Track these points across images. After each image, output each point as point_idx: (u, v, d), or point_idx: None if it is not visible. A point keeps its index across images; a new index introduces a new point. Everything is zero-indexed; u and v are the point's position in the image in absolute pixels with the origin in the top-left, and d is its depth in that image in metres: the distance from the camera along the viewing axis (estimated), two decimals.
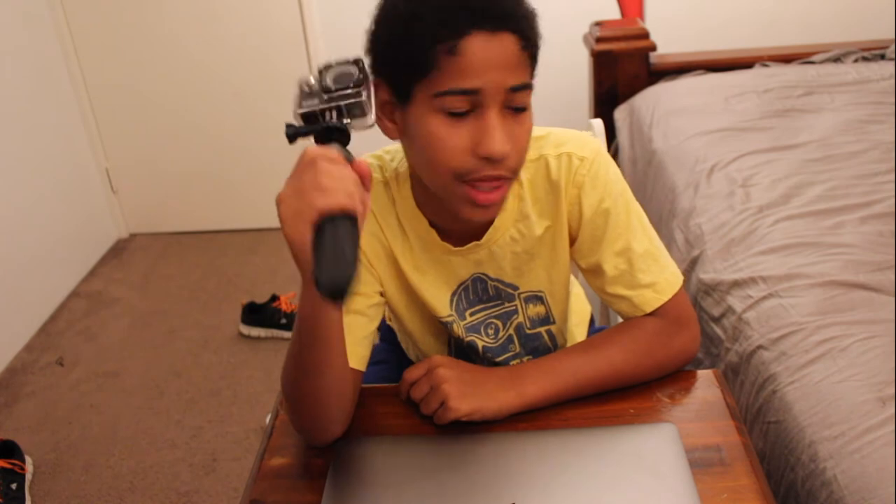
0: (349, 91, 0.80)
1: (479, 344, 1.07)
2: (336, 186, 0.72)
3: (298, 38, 2.82)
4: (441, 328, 1.07)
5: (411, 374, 0.94)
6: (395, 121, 0.89)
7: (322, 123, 0.81)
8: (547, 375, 0.94)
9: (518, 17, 0.82)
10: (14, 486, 1.84)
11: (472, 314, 1.05)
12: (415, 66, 0.82)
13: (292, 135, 0.81)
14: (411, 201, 0.98)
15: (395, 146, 0.99)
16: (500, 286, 1.03)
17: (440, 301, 1.03)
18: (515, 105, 0.84)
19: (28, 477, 1.91)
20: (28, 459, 1.95)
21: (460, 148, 0.83)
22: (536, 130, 0.97)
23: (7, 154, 2.49)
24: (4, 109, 2.49)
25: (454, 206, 0.89)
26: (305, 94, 0.81)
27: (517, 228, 0.99)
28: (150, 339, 2.49)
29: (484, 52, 0.79)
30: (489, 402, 0.90)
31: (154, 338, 2.50)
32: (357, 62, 0.82)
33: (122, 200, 3.12)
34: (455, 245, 0.99)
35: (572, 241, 1.02)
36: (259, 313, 2.43)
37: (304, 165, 0.75)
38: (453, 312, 1.04)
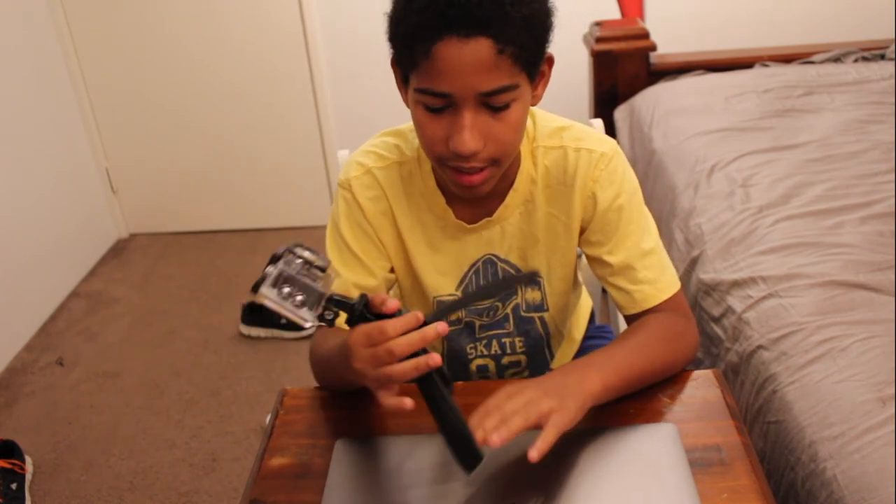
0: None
1: (477, 323, 1.11)
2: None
3: (298, 38, 2.82)
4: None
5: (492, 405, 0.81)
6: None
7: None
8: (597, 372, 0.90)
9: (497, 20, 0.80)
10: (14, 486, 1.84)
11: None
12: (403, 59, 0.88)
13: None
14: (432, 180, 1.02)
15: None
16: (507, 268, 1.07)
17: (446, 279, 1.07)
18: (493, 105, 0.85)
19: (28, 477, 1.91)
20: (28, 459, 1.95)
21: (438, 138, 0.88)
22: (559, 121, 1.02)
23: (7, 154, 2.49)
24: (4, 109, 2.49)
25: (450, 185, 0.95)
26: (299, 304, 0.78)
27: (526, 208, 1.03)
28: (150, 339, 2.49)
29: (455, 57, 0.81)
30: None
31: (154, 338, 2.50)
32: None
33: (122, 200, 3.12)
34: (469, 223, 1.03)
35: (581, 232, 1.04)
36: (259, 313, 2.43)
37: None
38: (457, 293, 1.08)
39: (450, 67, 0.82)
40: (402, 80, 0.92)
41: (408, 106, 0.94)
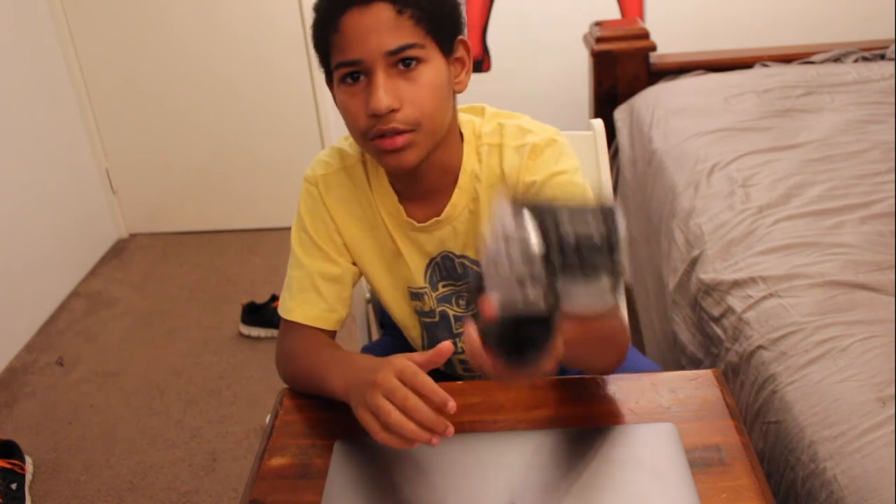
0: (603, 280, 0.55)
1: (450, 313, 1.12)
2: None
3: (298, 38, 2.82)
4: (413, 299, 1.13)
5: None
6: None
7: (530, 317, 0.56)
8: None
9: None
10: (14, 486, 1.84)
11: (444, 286, 1.11)
12: (322, 49, 0.95)
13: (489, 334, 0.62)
14: (385, 181, 1.05)
15: None
16: (466, 263, 1.08)
17: (410, 273, 1.10)
18: (402, 62, 0.90)
19: (28, 477, 1.91)
20: (28, 459, 1.95)
21: (360, 112, 0.93)
22: (504, 116, 1.05)
23: (7, 154, 2.49)
24: (4, 109, 2.49)
25: (379, 162, 0.99)
26: (527, 275, 0.54)
27: (475, 206, 1.04)
28: (150, 339, 2.49)
29: (358, 24, 0.89)
30: None
31: (154, 338, 2.50)
32: (609, 215, 0.54)
33: (122, 200, 3.12)
34: (419, 222, 1.05)
35: None
36: (259, 313, 2.43)
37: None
38: (427, 284, 1.10)
39: (356, 34, 0.89)
40: (329, 83, 0.97)
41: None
